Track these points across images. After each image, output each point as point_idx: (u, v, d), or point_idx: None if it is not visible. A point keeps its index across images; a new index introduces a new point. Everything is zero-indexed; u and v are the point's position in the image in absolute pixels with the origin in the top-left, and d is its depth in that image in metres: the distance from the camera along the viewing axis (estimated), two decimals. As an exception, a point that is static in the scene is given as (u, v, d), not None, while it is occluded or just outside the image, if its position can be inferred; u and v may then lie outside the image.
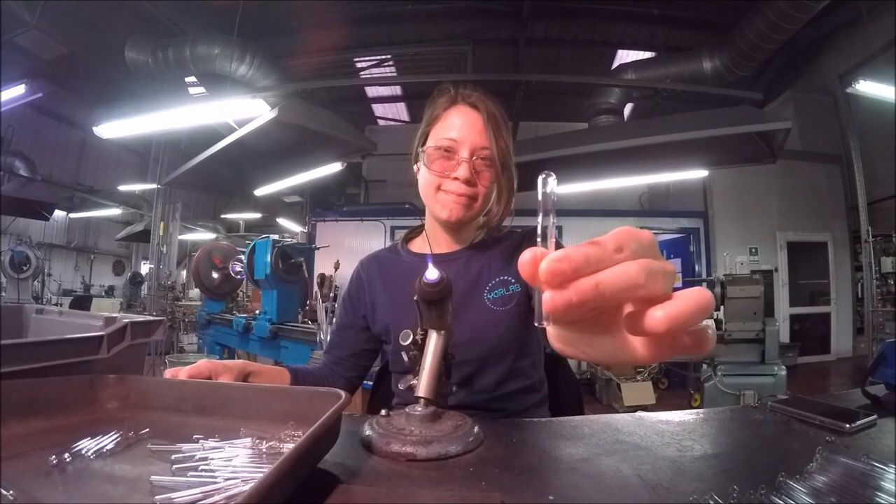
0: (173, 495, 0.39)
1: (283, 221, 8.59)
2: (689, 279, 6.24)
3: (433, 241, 0.94)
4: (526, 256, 0.26)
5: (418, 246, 0.98)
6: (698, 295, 0.25)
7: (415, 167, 0.89)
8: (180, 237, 7.73)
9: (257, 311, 3.95)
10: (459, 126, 0.82)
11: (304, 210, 8.14)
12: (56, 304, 6.49)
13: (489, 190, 0.84)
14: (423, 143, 0.87)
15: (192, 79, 5.66)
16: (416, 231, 1.00)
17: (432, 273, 0.55)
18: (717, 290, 3.13)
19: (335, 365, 0.97)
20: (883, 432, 0.60)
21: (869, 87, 4.19)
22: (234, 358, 4.65)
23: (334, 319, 1.06)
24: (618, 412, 0.68)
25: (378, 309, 0.93)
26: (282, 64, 5.58)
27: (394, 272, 0.94)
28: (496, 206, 0.87)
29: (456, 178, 0.81)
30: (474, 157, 0.81)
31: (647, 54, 6.15)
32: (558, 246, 0.27)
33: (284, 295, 3.55)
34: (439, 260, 0.90)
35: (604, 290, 0.24)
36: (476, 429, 0.57)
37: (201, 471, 0.43)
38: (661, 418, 0.68)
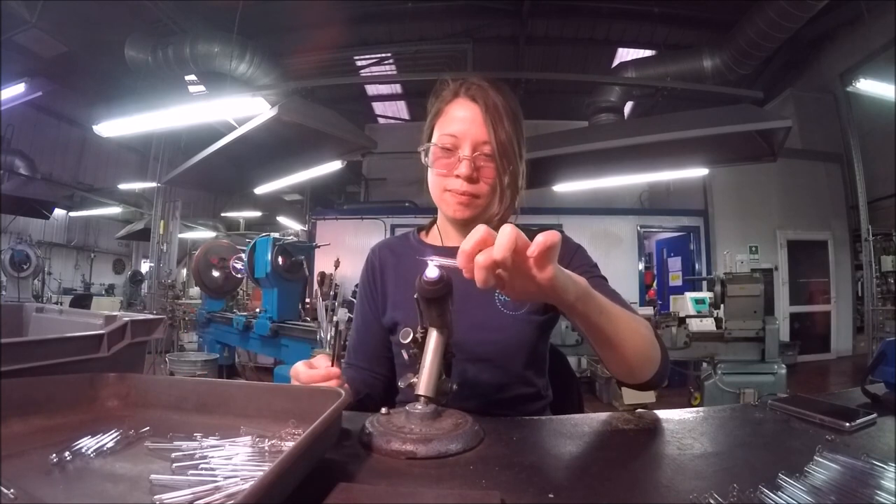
0: (173, 494, 0.39)
1: (283, 220, 8.58)
2: (690, 277, 6.24)
3: (445, 236, 0.92)
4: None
5: (432, 238, 0.96)
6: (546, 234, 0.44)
7: (423, 161, 0.86)
8: (180, 235, 7.72)
9: (258, 310, 3.95)
10: (461, 120, 0.81)
11: (304, 208, 8.14)
12: (56, 303, 6.51)
13: (492, 186, 0.81)
14: (430, 139, 0.85)
15: (191, 77, 5.66)
16: (429, 225, 0.98)
17: (432, 271, 0.55)
18: (718, 288, 3.13)
19: (367, 364, 0.92)
20: (883, 431, 0.60)
21: (869, 86, 4.18)
22: (233, 356, 4.67)
23: (355, 313, 1.00)
24: (618, 410, 0.68)
25: (389, 300, 0.91)
26: (282, 62, 5.57)
27: (406, 263, 0.92)
28: (497, 203, 0.83)
29: (458, 176, 0.79)
30: (476, 153, 0.79)
31: (648, 52, 6.15)
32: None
33: (285, 293, 3.55)
34: (452, 252, 0.88)
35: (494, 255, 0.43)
36: (476, 427, 0.57)
37: (201, 469, 0.43)
38: (661, 416, 0.68)
